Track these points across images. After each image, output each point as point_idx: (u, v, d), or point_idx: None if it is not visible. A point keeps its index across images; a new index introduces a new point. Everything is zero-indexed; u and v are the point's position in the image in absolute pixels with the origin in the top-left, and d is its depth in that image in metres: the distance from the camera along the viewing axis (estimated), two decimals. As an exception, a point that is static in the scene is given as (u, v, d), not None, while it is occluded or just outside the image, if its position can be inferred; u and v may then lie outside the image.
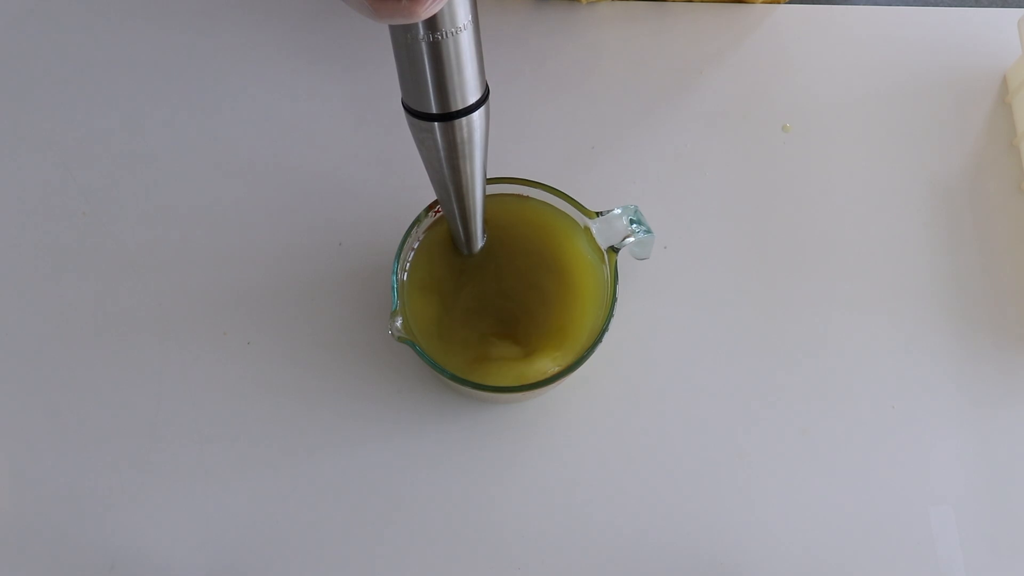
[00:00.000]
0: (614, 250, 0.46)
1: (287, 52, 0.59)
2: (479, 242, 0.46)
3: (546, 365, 0.45)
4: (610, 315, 0.44)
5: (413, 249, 0.47)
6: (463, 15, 0.34)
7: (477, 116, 0.38)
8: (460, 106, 0.37)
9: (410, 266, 0.46)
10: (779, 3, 0.60)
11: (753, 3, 0.60)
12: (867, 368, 0.51)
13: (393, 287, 0.44)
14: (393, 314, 0.43)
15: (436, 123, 0.37)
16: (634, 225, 0.46)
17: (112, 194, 0.55)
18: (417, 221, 0.45)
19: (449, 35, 0.34)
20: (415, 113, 0.38)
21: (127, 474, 0.48)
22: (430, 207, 0.46)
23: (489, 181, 0.45)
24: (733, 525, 0.48)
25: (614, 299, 0.44)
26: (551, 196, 0.47)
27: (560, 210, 0.48)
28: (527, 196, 0.48)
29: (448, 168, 0.40)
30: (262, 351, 0.51)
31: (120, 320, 0.51)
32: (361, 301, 0.52)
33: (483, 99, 0.38)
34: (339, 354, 0.50)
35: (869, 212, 0.54)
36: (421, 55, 0.35)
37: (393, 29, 0.35)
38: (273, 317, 0.51)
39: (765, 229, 0.54)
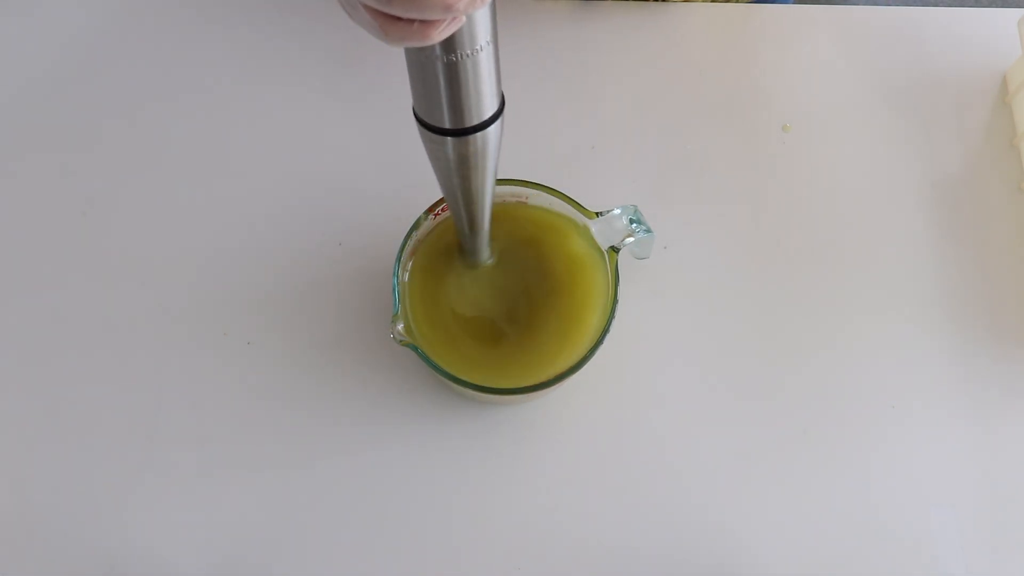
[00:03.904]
0: (614, 250, 0.46)
1: (287, 53, 0.59)
2: (486, 249, 0.45)
3: (547, 366, 0.45)
4: (611, 316, 0.44)
5: (414, 251, 0.46)
6: (483, 35, 0.31)
7: (492, 130, 0.36)
8: (475, 122, 0.35)
9: (411, 268, 0.46)
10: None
11: (757, 4, 0.60)
12: (867, 368, 0.51)
13: (394, 290, 0.44)
14: (395, 318, 0.43)
15: (449, 137, 0.36)
16: (634, 225, 0.46)
17: (112, 194, 0.55)
18: (417, 224, 0.45)
19: (468, 56, 0.32)
20: (427, 126, 0.36)
21: (127, 474, 0.48)
22: (430, 210, 0.46)
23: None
24: (733, 525, 0.48)
25: (615, 300, 0.44)
26: (551, 197, 0.47)
27: (560, 211, 0.48)
28: (527, 197, 0.48)
29: (459, 178, 0.38)
30: (262, 351, 0.51)
31: (120, 320, 0.51)
32: (361, 301, 0.52)
33: (498, 112, 0.36)
34: (339, 354, 0.50)
35: (869, 212, 0.54)
36: (436, 75, 0.33)
37: (408, 47, 0.32)
38: (273, 317, 0.51)
39: (765, 229, 0.54)
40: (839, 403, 0.50)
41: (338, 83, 0.58)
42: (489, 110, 0.35)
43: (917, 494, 0.48)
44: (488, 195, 0.40)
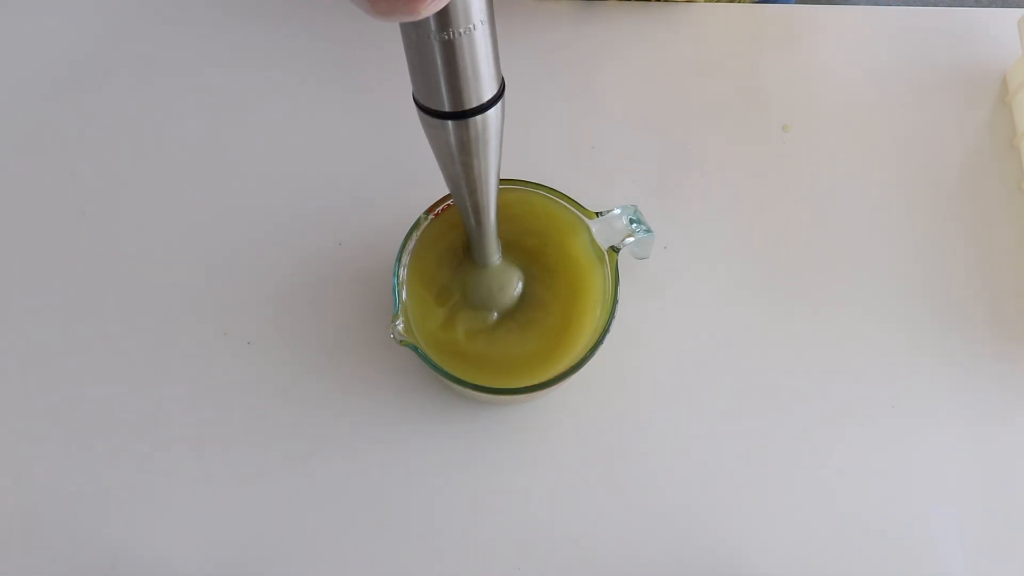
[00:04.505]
0: (614, 250, 0.46)
1: (288, 53, 0.59)
2: (495, 245, 0.45)
3: (547, 366, 0.44)
4: (611, 316, 0.44)
5: (414, 251, 0.46)
6: (478, 11, 0.31)
7: (492, 113, 0.35)
8: (474, 104, 0.35)
9: (411, 268, 0.46)
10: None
11: (758, 4, 0.60)
12: (867, 368, 0.51)
13: (394, 290, 0.44)
14: (394, 317, 0.43)
15: (449, 121, 0.35)
16: (634, 225, 0.46)
17: (112, 194, 0.55)
18: (417, 224, 0.45)
19: (462, 33, 0.31)
20: (427, 110, 0.35)
21: (127, 474, 0.48)
22: (430, 210, 0.46)
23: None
24: (733, 525, 0.48)
25: (615, 300, 0.44)
26: (551, 197, 0.47)
27: (560, 210, 0.48)
28: (527, 196, 0.48)
29: (461, 165, 0.38)
30: (262, 351, 0.51)
31: (120, 320, 0.51)
32: (361, 301, 0.52)
33: (498, 95, 0.35)
34: (339, 354, 0.50)
35: (869, 212, 0.54)
36: (432, 53, 0.32)
37: (403, 26, 0.32)
38: (273, 317, 0.51)
39: (765, 229, 0.54)
40: (839, 403, 0.50)
41: (338, 83, 0.58)
42: (488, 92, 0.35)
43: (917, 494, 0.48)
44: (492, 184, 0.40)
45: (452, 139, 0.36)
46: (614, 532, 0.47)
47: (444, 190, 0.45)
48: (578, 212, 0.47)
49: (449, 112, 0.35)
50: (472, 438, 0.49)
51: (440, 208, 0.46)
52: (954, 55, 0.59)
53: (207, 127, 0.56)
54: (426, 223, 0.46)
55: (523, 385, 0.43)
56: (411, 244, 0.46)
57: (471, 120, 0.35)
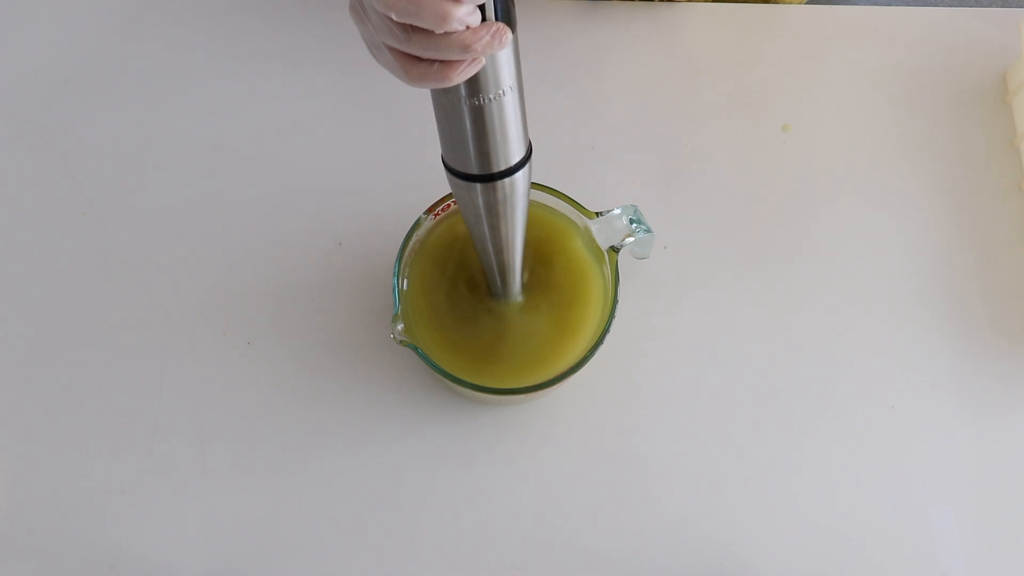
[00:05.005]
0: (614, 250, 0.46)
1: (287, 52, 0.59)
2: (517, 289, 0.45)
3: (547, 366, 0.44)
4: (611, 317, 0.44)
5: (414, 251, 0.46)
6: (507, 77, 0.32)
7: (520, 176, 0.36)
8: (502, 167, 0.36)
9: (411, 269, 0.46)
10: (799, 3, 0.60)
11: (756, 3, 0.60)
12: (867, 368, 0.51)
13: (395, 290, 0.44)
14: (395, 318, 0.43)
15: (477, 183, 0.36)
16: (634, 224, 0.46)
17: (112, 194, 0.55)
18: (417, 224, 0.45)
19: (492, 99, 0.32)
20: (455, 172, 0.36)
21: (127, 474, 0.48)
22: (430, 210, 0.46)
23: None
24: (733, 525, 0.48)
25: (615, 301, 0.44)
26: (551, 197, 0.47)
27: (560, 211, 0.48)
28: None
29: (488, 227, 0.39)
30: (262, 351, 0.51)
31: (120, 320, 0.51)
32: (361, 301, 0.52)
33: (526, 159, 0.36)
34: (339, 354, 0.50)
35: (869, 212, 0.54)
36: (462, 118, 0.33)
37: (434, 91, 0.33)
38: (273, 317, 0.51)
39: (765, 229, 0.54)
40: (839, 403, 0.50)
41: (339, 84, 0.57)
42: (516, 155, 0.36)
43: (917, 494, 0.48)
44: (519, 243, 0.41)
45: (480, 201, 0.37)
46: (614, 531, 0.47)
47: (445, 190, 0.45)
48: (578, 212, 0.46)
49: (477, 175, 0.36)
50: (472, 438, 0.49)
51: (440, 208, 0.46)
52: (954, 55, 0.59)
53: (207, 128, 0.56)
54: (426, 223, 0.46)
55: (523, 385, 0.43)
56: (411, 244, 0.46)
57: (499, 183, 0.36)
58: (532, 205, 0.47)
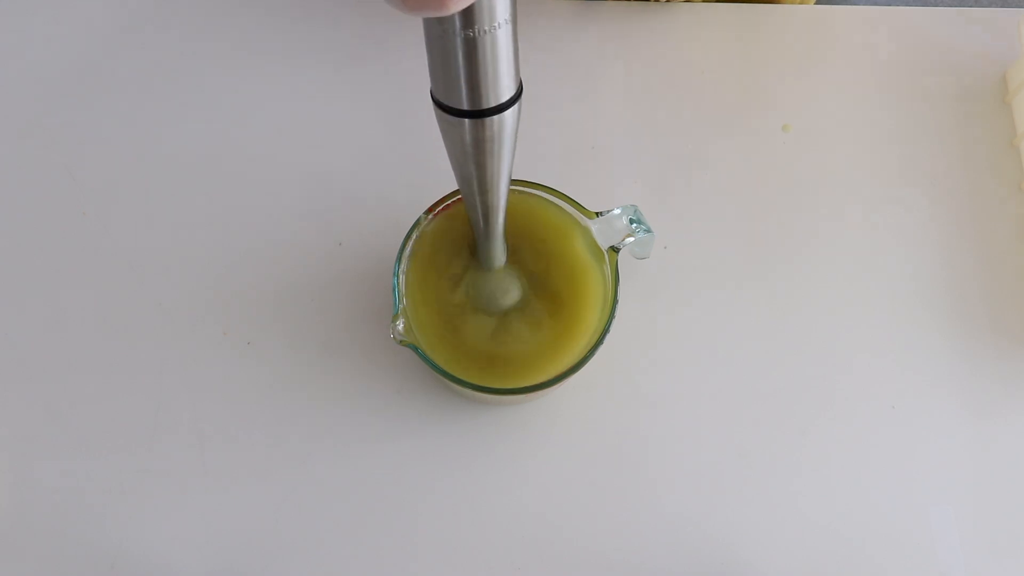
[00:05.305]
0: (614, 250, 0.46)
1: (286, 52, 0.59)
2: (501, 248, 0.45)
3: (547, 366, 0.44)
4: (611, 317, 0.44)
5: (414, 251, 0.46)
6: (502, 11, 0.31)
7: (509, 114, 0.36)
8: (492, 104, 0.35)
9: (411, 269, 0.46)
10: (807, 3, 0.60)
11: (758, 4, 0.60)
12: (867, 368, 0.51)
13: (394, 289, 0.44)
14: (395, 317, 0.43)
15: (466, 119, 0.35)
16: (634, 225, 0.46)
17: (112, 194, 0.55)
18: (417, 224, 0.45)
19: (486, 32, 0.32)
20: (445, 107, 0.35)
21: (127, 474, 0.48)
22: (430, 210, 0.46)
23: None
24: (733, 525, 0.48)
25: (615, 301, 0.44)
26: (551, 197, 0.47)
27: (560, 211, 0.48)
28: (527, 196, 0.48)
29: (475, 165, 0.38)
30: (262, 351, 0.51)
31: (120, 320, 0.51)
32: (361, 301, 0.52)
33: (516, 96, 0.36)
34: (339, 354, 0.50)
35: (869, 212, 0.54)
36: (455, 51, 0.32)
37: (427, 21, 0.32)
38: (273, 317, 0.51)
39: (765, 229, 0.54)
40: (839, 403, 0.50)
41: (339, 82, 0.58)
42: (507, 92, 0.35)
43: (917, 494, 0.48)
44: (504, 185, 0.40)
45: (468, 138, 0.36)
46: (614, 532, 0.47)
47: (445, 190, 0.45)
48: (578, 212, 0.46)
49: (467, 110, 0.35)
50: (472, 438, 0.49)
51: (440, 208, 0.46)
52: (954, 55, 0.59)
53: (207, 127, 0.56)
54: (426, 223, 0.46)
55: (523, 385, 0.43)
56: (411, 244, 0.46)
57: (488, 119, 0.35)
58: (532, 204, 0.48)
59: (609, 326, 0.44)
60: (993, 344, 0.51)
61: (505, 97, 0.35)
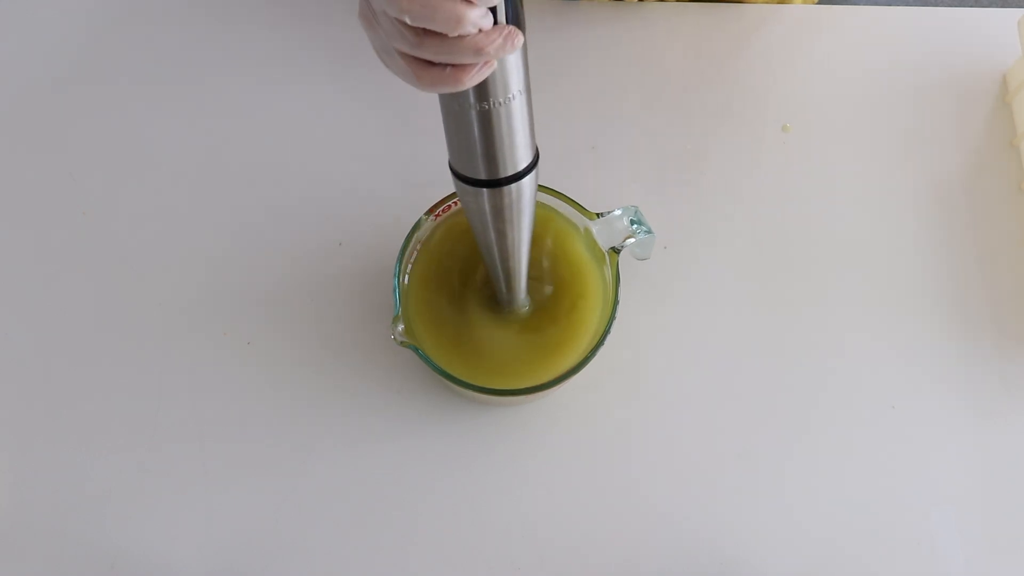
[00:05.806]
0: (615, 251, 0.46)
1: (287, 53, 0.59)
2: (523, 298, 0.45)
3: (547, 367, 0.44)
4: (612, 318, 0.44)
5: (415, 252, 0.46)
6: (516, 83, 0.32)
7: (527, 181, 0.36)
8: (510, 172, 0.36)
9: (412, 269, 0.46)
10: (810, 2, 0.60)
11: (759, 3, 0.60)
12: (867, 369, 0.51)
13: (395, 291, 0.44)
14: (395, 319, 0.43)
15: (484, 189, 0.36)
16: (635, 225, 0.46)
17: (112, 194, 0.55)
18: (418, 225, 0.45)
19: (501, 103, 0.32)
20: (462, 178, 0.36)
21: (127, 474, 0.48)
22: (431, 210, 0.46)
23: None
24: (734, 525, 0.48)
25: (616, 302, 0.44)
26: (551, 198, 0.47)
27: (560, 212, 0.48)
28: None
29: (495, 232, 0.39)
30: (262, 351, 0.51)
31: (120, 320, 0.51)
32: (362, 301, 0.52)
33: (533, 164, 0.36)
34: (339, 354, 0.50)
35: (869, 212, 0.54)
36: (471, 123, 0.33)
37: (443, 96, 0.33)
38: (273, 317, 0.51)
39: (765, 229, 0.54)
40: (839, 403, 0.50)
41: (339, 83, 0.57)
42: (524, 160, 0.36)
43: (917, 494, 0.48)
44: (524, 250, 0.41)
45: (487, 207, 0.37)
46: (614, 531, 0.47)
47: (445, 191, 0.45)
48: (579, 213, 0.46)
49: (485, 180, 0.36)
50: (472, 438, 0.49)
51: (441, 209, 0.46)
52: (954, 55, 0.59)
53: (207, 128, 0.56)
54: (427, 224, 0.46)
55: (523, 386, 0.43)
56: (412, 245, 0.46)
57: (505, 188, 0.36)
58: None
59: (610, 327, 0.44)
60: (993, 344, 0.51)
61: (522, 165, 0.36)
